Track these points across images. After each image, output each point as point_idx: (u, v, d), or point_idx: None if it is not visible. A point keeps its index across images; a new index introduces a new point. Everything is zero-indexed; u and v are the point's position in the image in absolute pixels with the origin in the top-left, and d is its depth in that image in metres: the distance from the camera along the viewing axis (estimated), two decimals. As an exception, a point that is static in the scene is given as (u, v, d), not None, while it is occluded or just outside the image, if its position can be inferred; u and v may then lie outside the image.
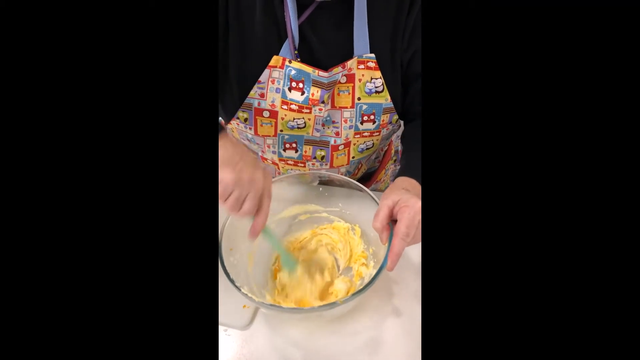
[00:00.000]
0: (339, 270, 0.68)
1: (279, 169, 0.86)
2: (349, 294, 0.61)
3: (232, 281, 0.52)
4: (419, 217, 0.54)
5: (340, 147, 0.80)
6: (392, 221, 0.58)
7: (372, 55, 0.70)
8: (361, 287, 0.52)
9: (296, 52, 0.69)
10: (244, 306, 0.61)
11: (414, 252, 0.69)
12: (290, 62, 0.69)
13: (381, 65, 0.71)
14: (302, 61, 0.69)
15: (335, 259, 0.69)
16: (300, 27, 0.68)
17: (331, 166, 0.83)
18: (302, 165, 0.83)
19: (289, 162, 0.83)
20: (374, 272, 0.62)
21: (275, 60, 0.69)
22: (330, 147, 0.80)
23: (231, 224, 0.61)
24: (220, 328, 0.61)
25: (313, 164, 0.83)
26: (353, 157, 0.82)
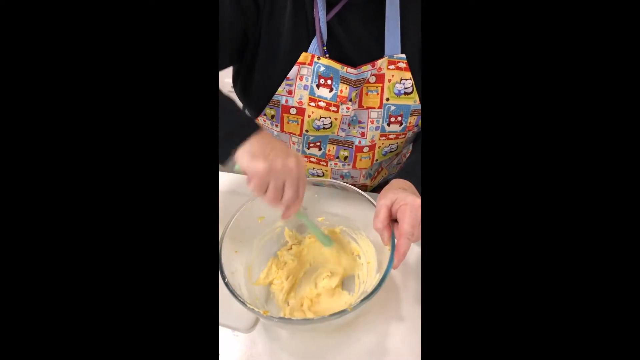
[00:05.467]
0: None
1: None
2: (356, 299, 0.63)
3: (237, 297, 0.54)
4: (419, 213, 0.56)
5: (364, 149, 0.80)
6: (392, 220, 0.59)
7: (403, 55, 0.70)
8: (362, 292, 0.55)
9: (324, 48, 0.69)
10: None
11: (412, 255, 0.71)
12: (319, 58, 0.69)
13: (412, 66, 0.70)
14: (331, 58, 0.69)
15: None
16: (329, 24, 0.68)
17: (354, 167, 0.83)
18: (325, 164, 0.84)
19: (312, 159, 0.83)
20: (372, 270, 0.64)
21: (304, 57, 0.69)
22: (354, 147, 0.79)
23: (230, 231, 0.62)
24: (229, 330, 0.63)
25: (335, 164, 0.83)
26: (376, 160, 0.82)
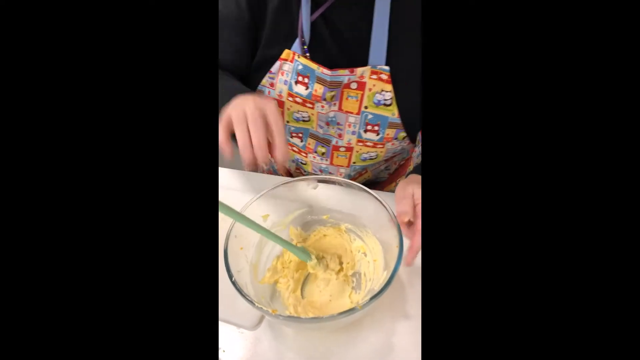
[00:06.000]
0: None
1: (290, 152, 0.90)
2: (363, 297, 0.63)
3: (244, 296, 0.53)
4: None
5: (341, 149, 0.81)
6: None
7: (387, 67, 0.69)
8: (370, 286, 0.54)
9: (305, 47, 0.71)
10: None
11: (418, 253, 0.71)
12: (299, 57, 0.71)
13: (395, 78, 0.70)
14: (313, 57, 0.71)
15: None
16: (316, 24, 0.70)
17: (331, 163, 0.85)
18: (304, 155, 0.86)
19: (294, 148, 0.86)
20: (379, 268, 0.64)
21: (286, 53, 0.72)
22: (331, 146, 0.81)
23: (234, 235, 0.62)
24: (234, 327, 0.63)
25: (314, 157, 0.85)
26: (354, 162, 0.84)
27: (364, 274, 0.67)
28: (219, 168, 0.94)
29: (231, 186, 0.88)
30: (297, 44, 0.71)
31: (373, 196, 0.64)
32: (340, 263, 0.69)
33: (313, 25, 0.70)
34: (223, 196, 0.84)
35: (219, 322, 0.63)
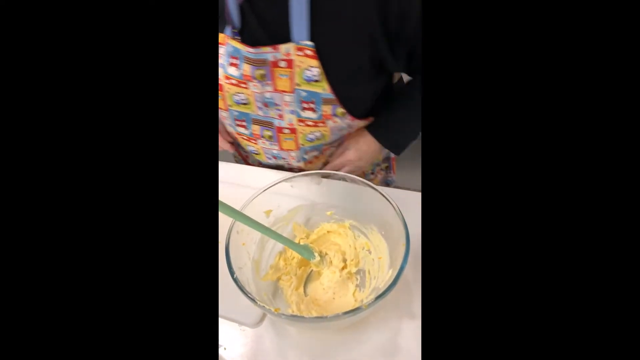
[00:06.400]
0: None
1: (242, 142, 0.94)
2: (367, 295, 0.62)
3: (246, 294, 0.52)
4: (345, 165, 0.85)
5: (285, 131, 0.83)
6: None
7: (310, 43, 0.70)
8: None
9: (234, 30, 0.74)
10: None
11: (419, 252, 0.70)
12: (230, 39, 0.74)
13: (321, 55, 0.71)
14: (243, 39, 0.74)
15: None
16: (244, 8, 0.72)
17: (280, 148, 0.87)
18: (254, 142, 0.89)
19: (244, 137, 0.90)
20: (384, 266, 0.62)
21: (221, 37, 0.76)
22: (275, 128, 0.83)
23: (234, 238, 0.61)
24: (236, 324, 0.62)
25: (263, 143, 0.88)
26: (302, 145, 0.86)
27: (368, 272, 0.65)
28: (225, 163, 0.93)
29: (235, 181, 0.87)
30: (228, 28, 0.74)
31: (378, 192, 0.63)
32: (344, 260, 0.67)
33: (242, 9, 0.72)
34: (227, 191, 0.83)
35: (220, 319, 0.62)
